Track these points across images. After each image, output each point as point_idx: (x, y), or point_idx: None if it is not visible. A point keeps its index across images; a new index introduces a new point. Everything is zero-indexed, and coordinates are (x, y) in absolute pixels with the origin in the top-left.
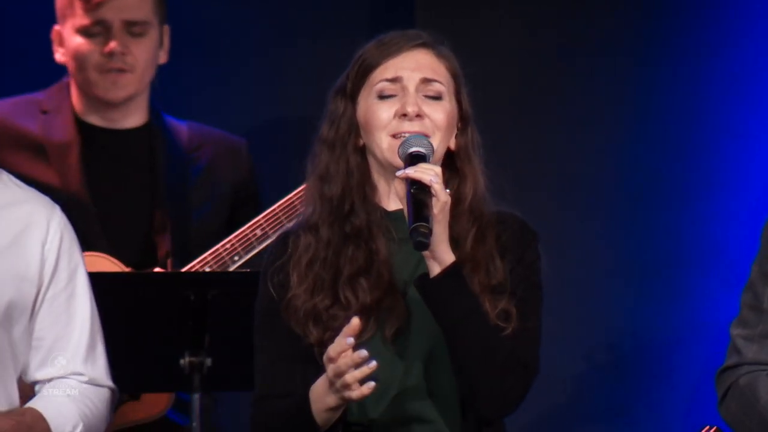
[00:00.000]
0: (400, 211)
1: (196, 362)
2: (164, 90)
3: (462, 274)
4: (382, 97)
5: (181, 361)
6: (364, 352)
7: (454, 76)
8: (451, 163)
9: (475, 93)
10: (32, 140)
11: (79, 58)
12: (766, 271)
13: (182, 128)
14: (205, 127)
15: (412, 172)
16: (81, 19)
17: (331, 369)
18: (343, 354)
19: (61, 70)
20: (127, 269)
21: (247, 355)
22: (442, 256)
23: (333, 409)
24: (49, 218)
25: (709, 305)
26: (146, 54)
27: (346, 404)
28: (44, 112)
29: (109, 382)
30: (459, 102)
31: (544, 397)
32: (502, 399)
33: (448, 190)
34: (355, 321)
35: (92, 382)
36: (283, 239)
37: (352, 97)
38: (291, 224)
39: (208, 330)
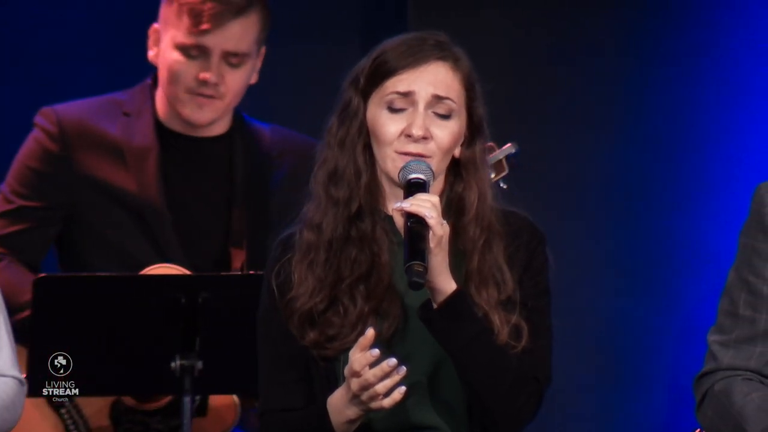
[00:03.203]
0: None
1: (187, 365)
2: None
3: (466, 300)
4: (392, 109)
5: (172, 364)
6: (393, 360)
7: (468, 89)
8: (457, 169)
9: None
10: (112, 143)
11: (171, 72)
12: (742, 276)
13: (264, 132)
14: (287, 131)
15: (408, 206)
16: (183, 37)
17: (356, 383)
18: (366, 366)
19: (143, 69)
20: None
21: (238, 357)
22: (442, 286)
23: (353, 421)
24: None
25: (700, 307)
26: (239, 84)
27: (366, 415)
28: (126, 115)
29: (15, 372)
30: (470, 113)
31: None
32: (515, 417)
33: (444, 222)
34: (371, 332)
35: None
36: (284, 241)
37: (364, 94)
38: (289, 229)
39: (199, 332)
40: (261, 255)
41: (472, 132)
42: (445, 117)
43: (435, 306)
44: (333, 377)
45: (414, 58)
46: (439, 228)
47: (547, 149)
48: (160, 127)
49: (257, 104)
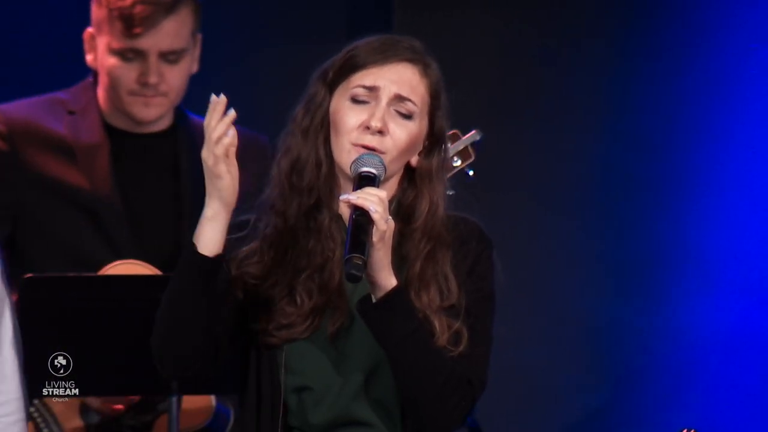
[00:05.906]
0: None
1: None
2: None
3: (404, 297)
4: (355, 101)
5: None
6: (214, 97)
7: (433, 96)
8: (412, 177)
9: (452, 92)
10: (60, 142)
11: (111, 76)
12: None
13: None
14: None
15: (355, 198)
16: (117, 42)
17: (207, 144)
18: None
19: (77, 68)
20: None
21: (228, 358)
22: (382, 282)
23: (211, 220)
24: None
25: (686, 307)
26: (180, 78)
27: (224, 223)
28: (71, 113)
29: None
30: (432, 122)
31: (519, 400)
32: (444, 418)
33: (389, 218)
34: (215, 97)
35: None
36: (237, 224)
37: (331, 87)
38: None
39: None
40: None
41: (432, 143)
42: (406, 117)
43: (374, 301)
44: (274, 365)
45: (384, 55)
46: (382, 223)
47: (531, 150)
48: (104, 124)
49: (243, 104)
